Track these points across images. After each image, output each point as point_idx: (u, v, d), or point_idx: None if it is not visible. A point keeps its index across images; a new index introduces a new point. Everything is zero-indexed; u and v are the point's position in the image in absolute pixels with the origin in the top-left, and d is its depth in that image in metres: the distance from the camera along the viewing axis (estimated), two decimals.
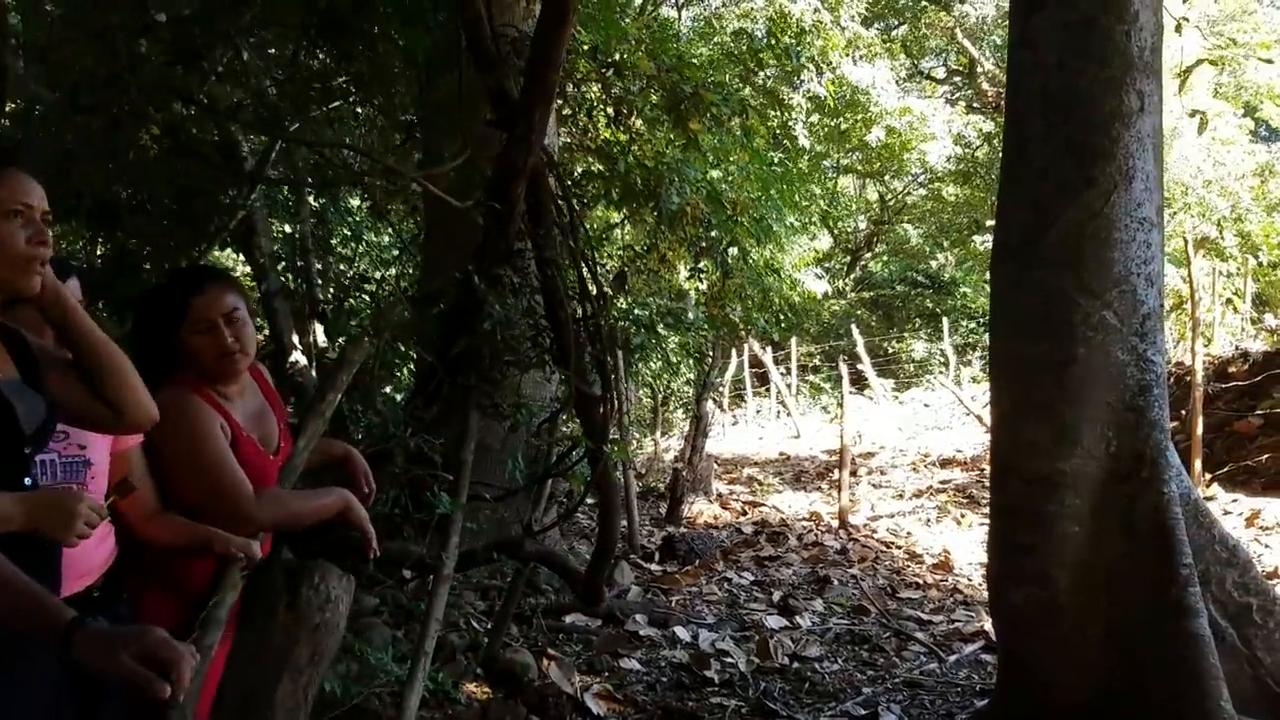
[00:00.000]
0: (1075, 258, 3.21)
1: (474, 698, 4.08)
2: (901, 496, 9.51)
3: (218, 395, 2.33)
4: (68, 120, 3.70)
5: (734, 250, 6.84)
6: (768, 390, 17.16)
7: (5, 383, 1.68)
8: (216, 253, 7.41)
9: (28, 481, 1.68)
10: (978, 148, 19.15)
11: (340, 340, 8.78)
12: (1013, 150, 3.46)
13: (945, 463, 10.94)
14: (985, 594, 3.76)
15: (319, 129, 5.21)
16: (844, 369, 9.27)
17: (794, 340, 17.52)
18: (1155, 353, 3.23)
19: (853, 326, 17.41)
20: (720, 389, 14.56)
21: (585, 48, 5.41)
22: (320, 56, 5.15)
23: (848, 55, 14.57)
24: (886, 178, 22.78)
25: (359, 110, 6.19)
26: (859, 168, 22.07)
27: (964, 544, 7.38)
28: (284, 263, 7.45)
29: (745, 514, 8.70)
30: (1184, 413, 7.70)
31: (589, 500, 5.42)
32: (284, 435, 2.58)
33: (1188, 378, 7.80)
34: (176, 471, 2.24)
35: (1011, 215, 3.44)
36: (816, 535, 7.72)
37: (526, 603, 5.17)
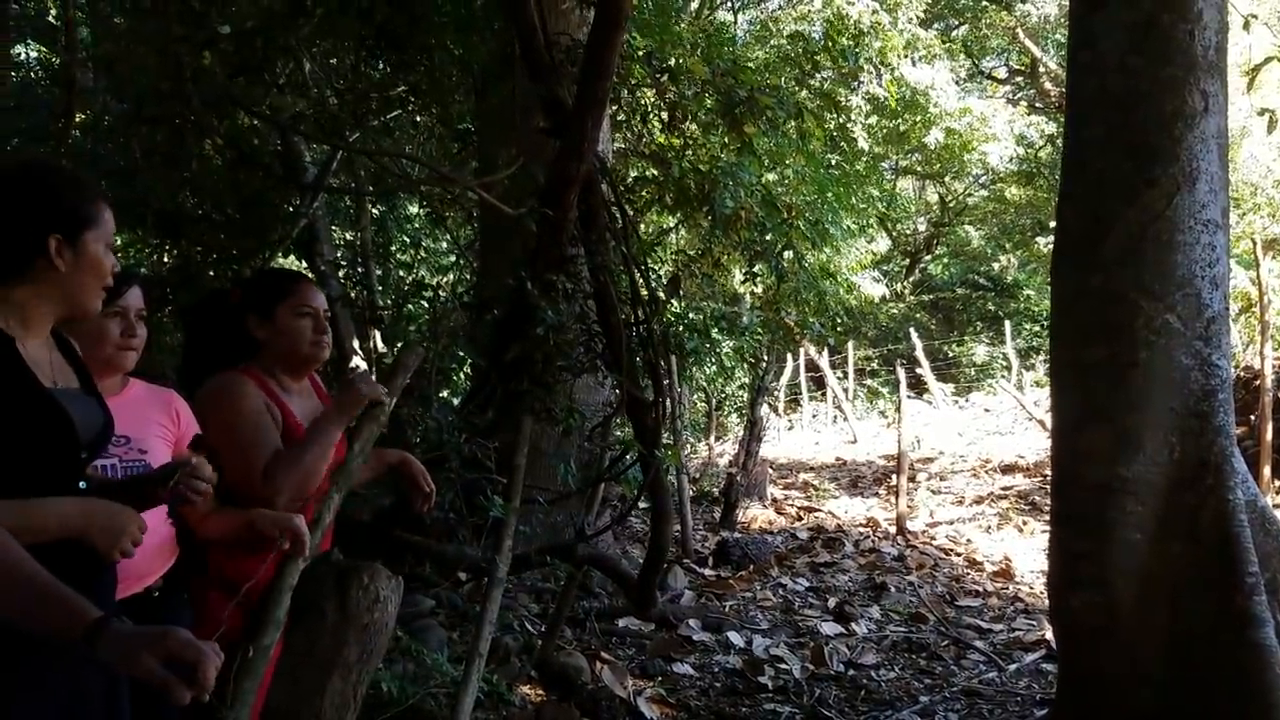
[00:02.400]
0: (1137, 260, 3.13)
1: (528, 700, 4.10)
2: (961, 503, 9.36)
3: (277, 387, 2.38)
4: (134, 131, 3.81)
5: (789, 254, 6.81)
6: (824, 395, 17.01)
7: (63, 391, 1.73)
8: (279, 260, 7.56)
9: (82, 485, 1.73)
10: (1040, 148, 18.80)
11: (398, 345, 8.93)
12: (1072, 151, 3.40)
13: (1007, 469, 10.73)
14: (1047, 602, 3.69)
15: (378, 139, 5.31)
16: (901, 373, 9.15)
17: (850, 344, 17.36)
18: (1220, 356, 3.14)
19: (911, 330, 17.18)
20: (775, 393, 14.48)
21: (640, 53, 5.44)
22: (379, 67, 5.25)
23: (906, 56, 14.43)
24: (947, 179, 22.48)
25: (416, 120, 6.31)
26: (918, 169, 21.83)
27: (1026, 551, 7.23)
28: (344, 269, 7.59)
29: (800, 519, 8.63)
30: (1253, 418, 7.47)
31: (641, 505, 5.44)
32: (340, 439, 2.63)
33: (1256, 382, 7.57)
34: (218, 448, 2.25)
35: (1071, 217, 3.37)
36: (873, 541, 7.63)
37: (579, 606, 5.19)
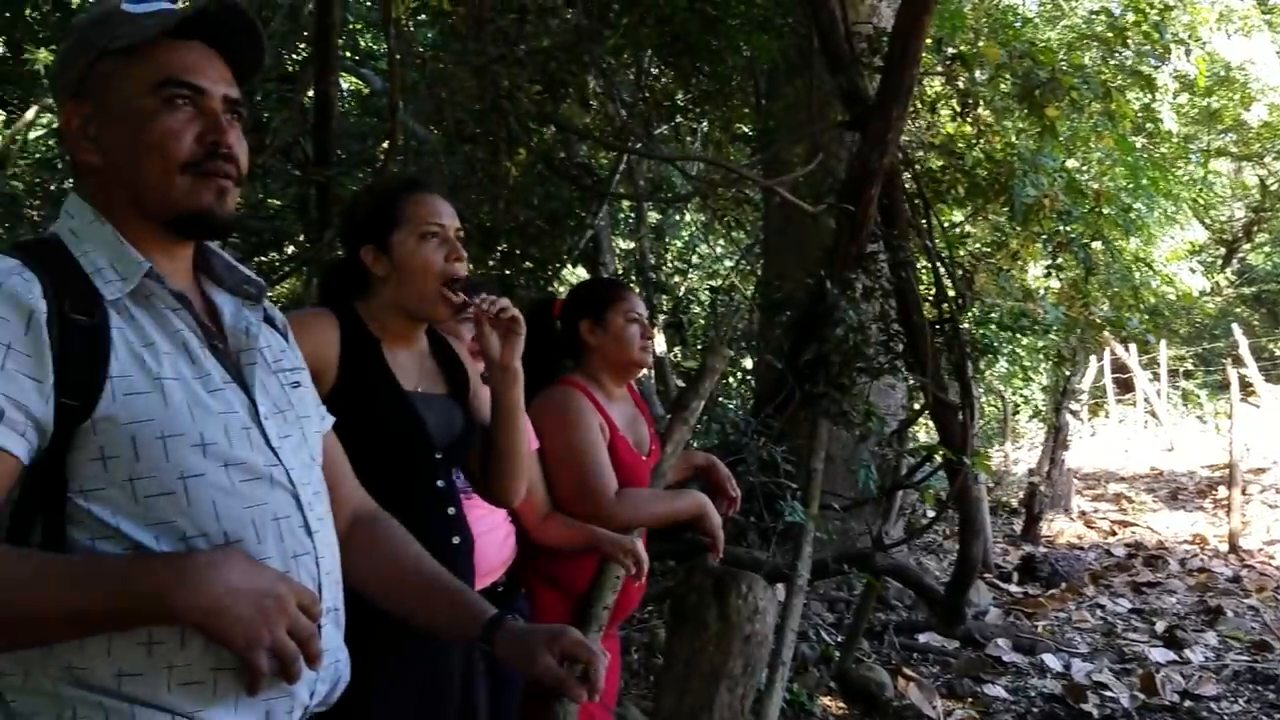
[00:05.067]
0: None
1: (829, 711, 4.00)
2: None
3: (601, 396, 2.44)
4: (452, 151, 4.07)
5: (1097, 244, 6.26)
6: (1132, 398, 15.55)
7: (423, 395, 1.82)
8: (568, 270, 7.91)
9: (440, 484, 1.81)
10: None
11: (677, 350, 9.09)
12: None
13: None
14: None
15: (662, 146, 5.40)
16: (1232, 374, 8.17)
17: (1163, 342, 15.75)
18: None
19: (1234, 326, 15.33)
20: (1079, 397, 13.40)
21: (928, 41, 5.20)
22: (665, 78, 5.35)
23: (1219, 30, 13.03)
24: (1267, 159, 19.94)
25: (695, 127, 6.37)
26: (1233, 150, 19.55)
27: None
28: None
29: (1114, 534, 7.93)
30: None
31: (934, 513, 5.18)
32: (654, 440, 2.67)
33: None
34: (552, 464, 2.34)
35: None
36: (1203, 560, 6.88)
37: (876, 618, 5.01)
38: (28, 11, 6.59)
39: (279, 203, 5.39)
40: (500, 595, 2.07)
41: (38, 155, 8.68)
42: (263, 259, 5.43)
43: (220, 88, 1.17)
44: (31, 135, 8.14)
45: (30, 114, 7.36)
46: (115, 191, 1.15)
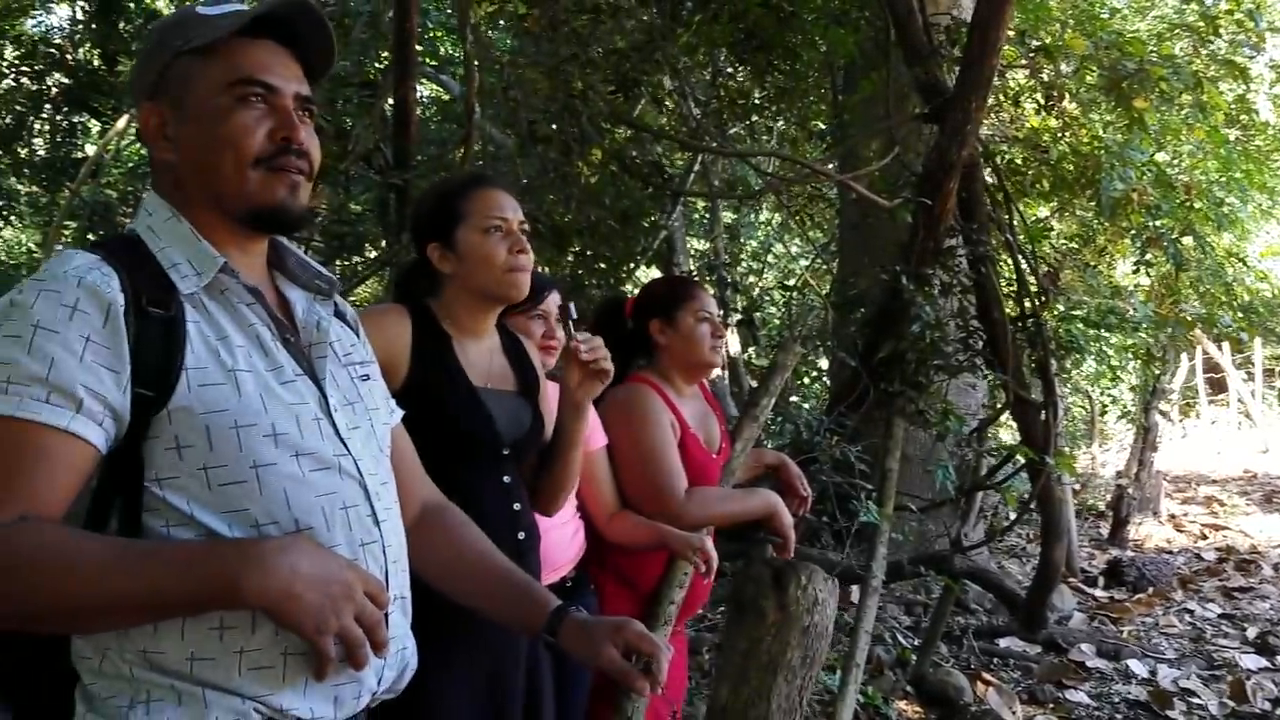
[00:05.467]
0: None
1: (904, 715, 3.93)
2: None
3: (672, 393, 2.43)
4: (525, 152, 4.12)
5: (1188, 239, 6.04)
6: (1225, 398, 14.95)
7: (491, 391, 1.84)
8: (642, 271, 7.93)
9: (506, 480, 1.82)
10: None
11: (751, 350, 9.04)
12: None
13: None
14: None
15: (740, 144, 5.37)
16: None
17: (1258, 341, 15.08)
18: None
19: None
20: (1169, 397, 12.93)
21: (1011, 33, 5.08)
22: (740, 76, 5.32)
23: None
24: None
25: (771, 125, 6.33)
26: None
27: None
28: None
29: (1205, 538, 7.64)
30: None
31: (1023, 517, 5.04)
32: (724, 437, 2.65)
33: None
34: (622, 462, 2.35)
35: None
36: None
37: (955, 621, 4.91)
38: (121, 25, 6.86)
39: (360, 208, 5.52)
40: (568, 590, 2.08)
41: (130, 164, 9.04)
42: (345, 263, 5.56)
43: (292, 85, 1.19)
44: (123, 144, 8.47)
45: (121, 123, 7.64)
46: (191, 188, 1.18)
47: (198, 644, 1.06)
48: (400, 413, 1.44)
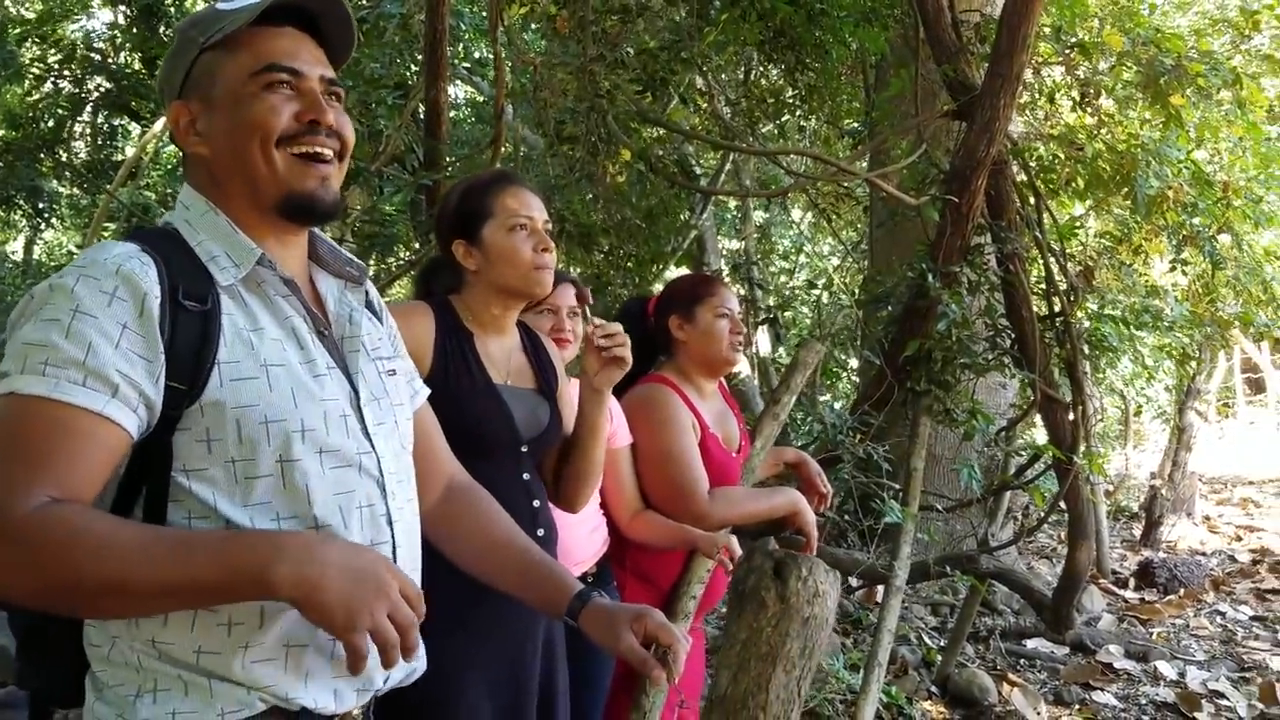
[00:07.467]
0: None
1: (929, 716, 3.92)
2: None
3: (692, 393, 2.44)
4: (552, 152, 4.15)
5: (1225, 237, 5.94)
6: (1264, 399, 14.69)
7: (510, 388, 1.86)
8: (670, 270, 7.95)
9: (525, 476, 1.84)
10: None
11: (781, 349, 9.01)
12: None
13: None
14: None
15: (770, 143, 5.36)
16: None
17: None
18: None
19: None
20: (1205, 397, 12.71)
21: (1047, 30, 5.03)
22: (770, 75, 5.31)
23: None
24: None
25: (803, 124, 6.31)
26: None
27: None
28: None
29: (1239, 539, 7.53)
30: None
31: (1050, 517, 5.00)
32: (743, 436, 2.66)
33: None
34: (645, 463, 2.36)
35: None
36: None
37: (981, 622, 4.88)
38: (161, 29, 6.98)
39: (392, 209, 5.57)
40: (590, 585, 2.09)
41: (168, 166, 9.19)
42: (380, 264, 5.62)
43: (316, 69, 1.21)
44: (162, 146, 8.61)
45: (159, 125, 7.77)
46: (226, 181, 1.19)
47: (206, 638, 1.08)
48: (426, 391, 1.46)
